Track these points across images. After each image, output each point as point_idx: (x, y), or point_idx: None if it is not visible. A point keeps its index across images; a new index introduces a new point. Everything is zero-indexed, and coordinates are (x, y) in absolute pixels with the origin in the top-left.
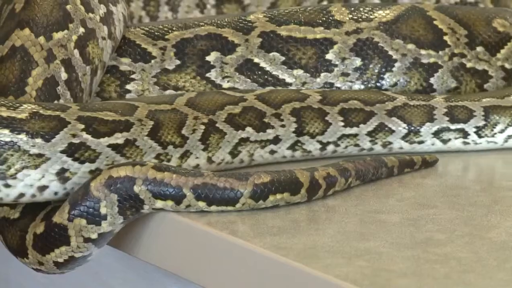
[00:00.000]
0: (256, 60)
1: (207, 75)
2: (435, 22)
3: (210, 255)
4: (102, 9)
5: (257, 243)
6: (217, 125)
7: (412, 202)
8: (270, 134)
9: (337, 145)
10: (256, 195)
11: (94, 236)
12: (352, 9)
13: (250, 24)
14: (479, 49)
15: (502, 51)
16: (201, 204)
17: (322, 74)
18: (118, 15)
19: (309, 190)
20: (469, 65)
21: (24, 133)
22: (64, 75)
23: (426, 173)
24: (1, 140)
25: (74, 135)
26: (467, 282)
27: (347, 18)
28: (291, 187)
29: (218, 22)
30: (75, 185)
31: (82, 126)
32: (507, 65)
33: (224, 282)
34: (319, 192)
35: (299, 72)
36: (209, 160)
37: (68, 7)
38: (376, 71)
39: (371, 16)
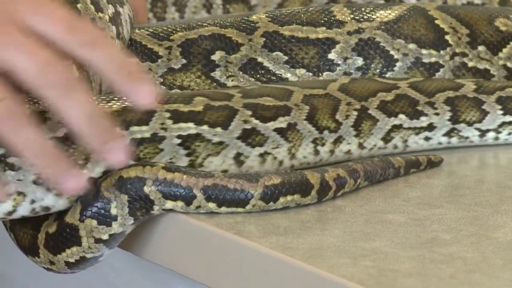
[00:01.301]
0: (259, 59)
1: (212, 74)
2: (436, 21)
3: (216, 255)
4: (110, 9)
5: (263, 243)
6: (369, 111)
7: (418, 202)
8: (424, 121)
9: (499, 132)
10: (267, 197)
11: (105, 237)
12: (354, 9)
13: (253, 24)
14: (481, 48)
15: (505, 50)
16: (211, 205)
17: (324, 73)
18: (125, 16)
19: (319, 191)
20: (470, 64)
21: (206, 124)
22: (76, 74)
23: (432, 173)
24: (189, 133)
25: (245, 121)
26: (473, 282)
27: (349, 18)
28: (301, 188)
29: (221, 22)
30: (248, 168)
31: (250, 113)
32: (509, 64)
33: (230, 282)
34: (329, 193)
35: (301, 71)
36: (360, 146)
37: (78, 5)
38: (378, 70)
39: (373, 16)
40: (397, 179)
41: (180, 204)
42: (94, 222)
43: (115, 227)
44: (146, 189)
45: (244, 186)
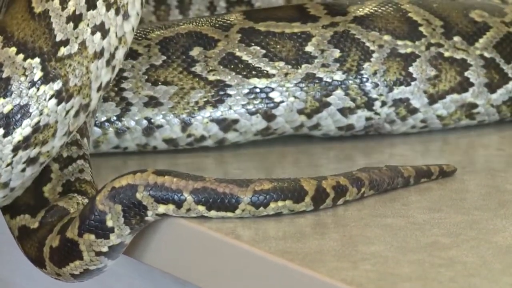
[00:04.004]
0: (238, 53)
1: (193, 69)
2: (409, 14)
3: (215, 260)
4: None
5: (262, 247)
6: None
7: (418, 206)
8: None
9: None
10: (257, 202)
11: (104, 249)
12: (327, 5)
13: (229, 21)
14: (456, 38)
15: (481, 40)
16: (201, 209)
17: (303, 66)
18: None
19: (314, 198)
20: (446, 54)
21: None
22: None
23: None
24: None
25: None
26: (473, 286)
27: (323, 14)
28: (294, 194)
29: (197, 21)
30: None
31: None
32: (486, 54)
33: (230, 286)
34: (327, 201)
35: (280, 64)
36: None
37: None
38: (355, 61)
39: (346, 12)
40: None
41: (171, 207)
42: (92, 236)
43: (113, 239)
44: (138, 195)
45: (233, 191)
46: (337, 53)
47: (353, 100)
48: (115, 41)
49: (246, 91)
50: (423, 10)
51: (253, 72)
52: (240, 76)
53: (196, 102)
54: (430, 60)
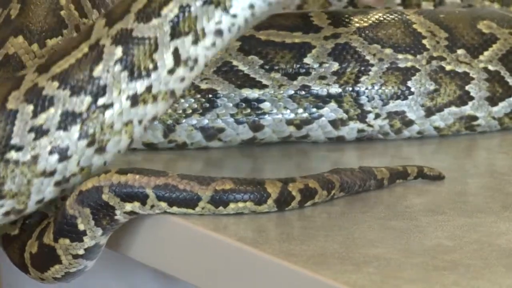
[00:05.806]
0: (234, 62)
1: None
2: (414, 25)
3: (218, 262)
4: (95, 15)
5: (266, 249)
6: None
7: (421, 208)
8: None
9: None
10: (216, 201)
11: (81, 252)
12: (331, 14)
13: None
14: (460, 51)
15: (486, 53)
16: (163, 205)
17: (299, 77)
18: None
19: (278, 201)
20: (448, 68)
21: None
22: None
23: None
24: None
25: None
26: None
27: (326, 24)
28: (256, 196)
29: None
30: None
31: None
32: (490, 67)
33: None
34: (292, 203)
35: (276, 75)
36: None
37: (62, 12)
38: (353, 75)
39: (350, 22)
40: (400, 185)
41: (137, 204)
42: (67, 241)
43: (87, 241)
44: (105, 196)
45: (193, 188)
46: (335, 66)
47: (346, 112)
48: (74, 168)
49: (237, 101)
50: (429, 21)
51: (247, 83)
52: (233, 85)
53: (184, 110)
54: (430, 74)
